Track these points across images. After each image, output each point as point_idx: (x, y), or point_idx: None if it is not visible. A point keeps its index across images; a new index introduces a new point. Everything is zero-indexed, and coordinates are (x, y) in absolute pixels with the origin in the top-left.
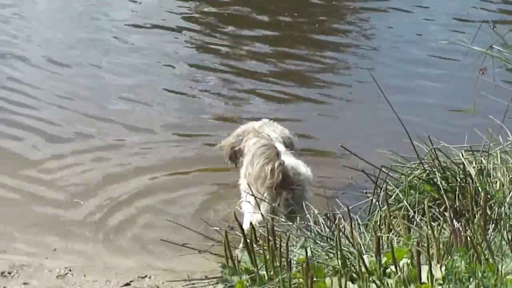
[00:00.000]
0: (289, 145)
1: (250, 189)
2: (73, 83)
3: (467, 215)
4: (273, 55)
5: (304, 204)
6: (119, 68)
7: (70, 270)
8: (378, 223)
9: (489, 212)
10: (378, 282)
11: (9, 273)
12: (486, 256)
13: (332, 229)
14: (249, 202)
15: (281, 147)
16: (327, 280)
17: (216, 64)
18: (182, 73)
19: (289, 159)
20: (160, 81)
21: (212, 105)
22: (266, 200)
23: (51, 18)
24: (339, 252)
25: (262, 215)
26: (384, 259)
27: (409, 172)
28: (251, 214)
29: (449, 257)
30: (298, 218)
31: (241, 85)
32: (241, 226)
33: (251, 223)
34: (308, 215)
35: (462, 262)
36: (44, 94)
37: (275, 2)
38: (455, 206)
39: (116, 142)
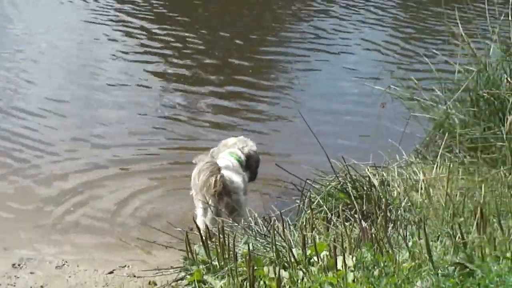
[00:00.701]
0: (250, 157)
1: (200, 197)
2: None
3: (372, 217)
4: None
5: (241, 205)
6: None
7: (66, 262)
8: (304, 223)
9: (389, 214)
10: (304, 269)
11: (19, 264)
12: (387, 249)
13: (269, 228)
14: (200, 207)
15: (224, 163)
16: (265, 268)
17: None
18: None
19: (226, 172)
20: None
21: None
22: (212, 204)
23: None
24: (274, 247)
25: (210, 216)
26: (308, 252)
27: (327, 183)
28: (201, 216)
29: (359, 250)
30: (238, 217)
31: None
32: (198, 227)
33: (205, 225)
34: (249, 217)
35: (369, 253)
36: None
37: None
38: (363, 209)
39: (98, 158)
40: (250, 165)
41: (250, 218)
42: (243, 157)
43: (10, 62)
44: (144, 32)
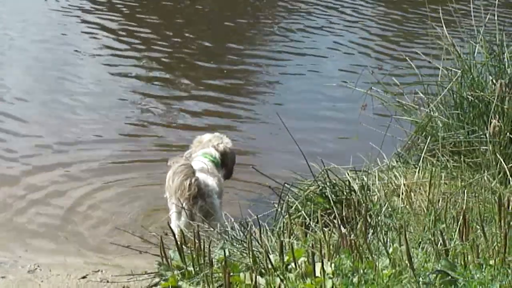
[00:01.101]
0: (225, 155)
1: (174, 200)
2: None
3: (352, 222)
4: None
5: (215, 208)
6: None
7: (38, 266)
8: (282, 228)
9: (369, 220)
10: (281, 276)
11: None
12: (367, 256)
13: (245, 234)
14: (174, 210)
15: (199, 165)
16: (242, 274)
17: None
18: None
19: (200, 175)
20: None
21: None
22: (186, 208)
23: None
24: (250, 252)
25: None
26: (286, 258)
27: (306, 187)
28: (175, 220)
29: (338, 256)
30: (214, 221)
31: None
32: (173, 232)
33: (180, 229)
34: (225, 221)
35: (348, 260)
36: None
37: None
38: (342, 215)
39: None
40: (225, 162)
41: (226, 223)
42: (218, 156)
43: None
44: (110, 34)
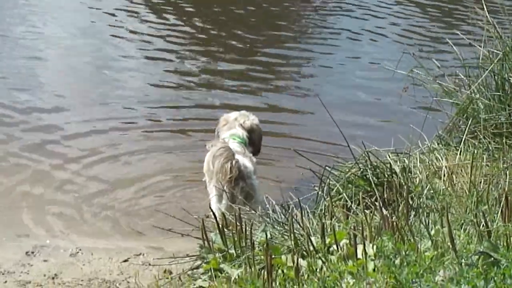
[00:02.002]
0: (252, 131)
1: (215, 183)
2: None
3: (393, 204)
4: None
5: (255, 189)
6: None
7: (80, 250)
8: (323, 211)
9: (410, 202)
10: (323, 258)
11: (32, 252)
12: (409, 237)
13: (287, 216)
14: (214, 193)
15: (236, 147)
16: (283, 257)
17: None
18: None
19: (239, 157)
20: None
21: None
22: (227, 190)
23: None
24: (292, 235)
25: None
26: (327, 240)
27: (347, 170)
28: (215, 203)
29: (379, 238)
30: (256, 203)
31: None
32: (214, 215)
33: (221, 212)
34: (265, 203)
35: (390, 242)
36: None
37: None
38: (384, 197)
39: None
40: (252, 139)
41: (267, 206)
42: (245, 135)
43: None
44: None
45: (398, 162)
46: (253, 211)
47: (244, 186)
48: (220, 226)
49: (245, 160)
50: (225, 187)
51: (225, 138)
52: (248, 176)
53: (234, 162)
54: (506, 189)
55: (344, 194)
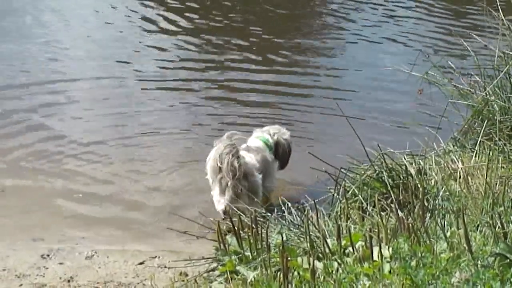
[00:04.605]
0: (277, 145)
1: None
2: None
3: (409, 206)
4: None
5: (258, 186)
6: None
7: (95, 253)
8: (339, 213)
9: (426, 204)
10: (339, 260)
11: (48, 255)
12: (424, 239)
13: (302, 218)
14: (216, 188)
15: (250, 143)
16: (299, 259)
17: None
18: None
19: (243, 153)
20: None
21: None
22: (230, 187)
23: None
24: (308, 237)
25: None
26: (343, 242)
27: (362, 172)
28: (217, 195)
29: (395, 240)
30: (255, 200)
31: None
32: (230, 218)
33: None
34: (282, 207)
35: (405, 244)
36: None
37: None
38: (399, 199)
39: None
40: (278, 152)
41: (283, 208)
42: (271, 141)
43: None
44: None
45: (414, 164)
46: (253, 208)
47: (246, 183)
48: (236, 228)
49: (250, 156)
50: (228, 184)
51: (251, 138)
52: (251, 173)
53: (238, 159)
54: None
55: (360, 196)
